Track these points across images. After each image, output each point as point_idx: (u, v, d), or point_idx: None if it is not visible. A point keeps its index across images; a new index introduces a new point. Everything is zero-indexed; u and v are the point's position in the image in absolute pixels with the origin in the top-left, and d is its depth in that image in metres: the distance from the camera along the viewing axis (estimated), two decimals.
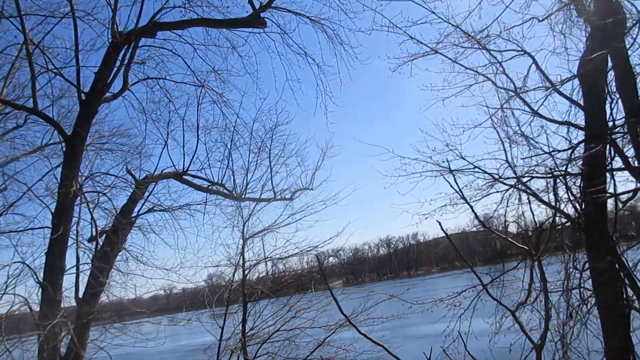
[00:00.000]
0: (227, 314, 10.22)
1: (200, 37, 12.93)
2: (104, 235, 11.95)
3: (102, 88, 9.92)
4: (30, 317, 10.26)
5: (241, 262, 9.79)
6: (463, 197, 8.40)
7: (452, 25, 7.75)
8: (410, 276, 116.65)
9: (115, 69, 10.29)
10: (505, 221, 9.85)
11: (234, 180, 13.27)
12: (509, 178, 8.54)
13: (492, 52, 7.85)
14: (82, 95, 9.80)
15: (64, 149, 9.76)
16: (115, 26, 10.13)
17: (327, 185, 10.64)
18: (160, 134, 13.16)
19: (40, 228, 11.62)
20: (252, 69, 12.59)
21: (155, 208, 13.20)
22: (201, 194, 13.74)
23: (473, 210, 8.55)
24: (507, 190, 9.53)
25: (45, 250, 9.42)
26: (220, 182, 13.66)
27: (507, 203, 9.16)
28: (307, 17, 11.84)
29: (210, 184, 13.76)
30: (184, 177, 13.54)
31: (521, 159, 8.41)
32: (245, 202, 11.24)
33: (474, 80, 8.29)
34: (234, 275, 10.40)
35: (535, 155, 8.17)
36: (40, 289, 9.14)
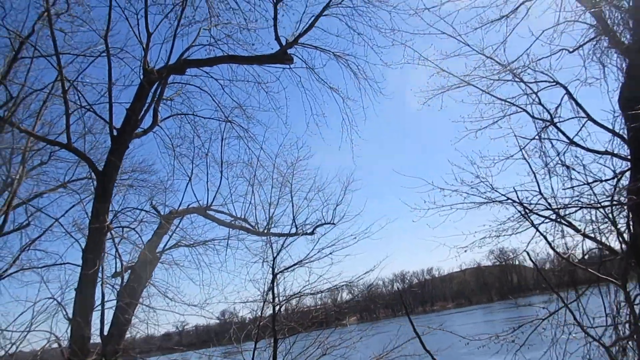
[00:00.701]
0: (255, 350, 10.02)
1: (226, 73, 13.19)
2: (128, 270, 11.94)
3: (134, 124, 10.05)
4: (57, 355, 10.15)
5: (271, 297, 9.61)
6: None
7: (485, 56, 7.83)
8: (426, 312, 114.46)
9: (145, 105, 10.44)
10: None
11: (256, 215, 13.34)
12: (548, 209, 8.38)
13: (527, 83, 7.84)
14: (114, 131, 9.92)
15: (95, 184, 9.82)
16: (146, 64, 10.36)
17: (357, 219, 10.49)
18: (184, 170, 13.34)
19: (62, 264, 11.70)
20: (277, 104, 12.82)
21: (180, 243, 13.24)
22: (224, 229, 13.83)
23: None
24: (543, 222, 9.40)
25: (75, 287, 9.35)
26: (243, 217, 13.71)
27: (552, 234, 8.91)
28: (332, 53, 12.07)
29: (233, 219, 13.79)
30: (208, 212, 13.60)
31: (563, 189, 8.27)
32: (268, 236, 11.13)
33: (506, 112, 8.28)
34: (262, 310, 10.23)
35: (577, 186, 8.05)
36: (70, 326, 9.04)
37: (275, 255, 9.77)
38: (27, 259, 12.30)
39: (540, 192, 9.51)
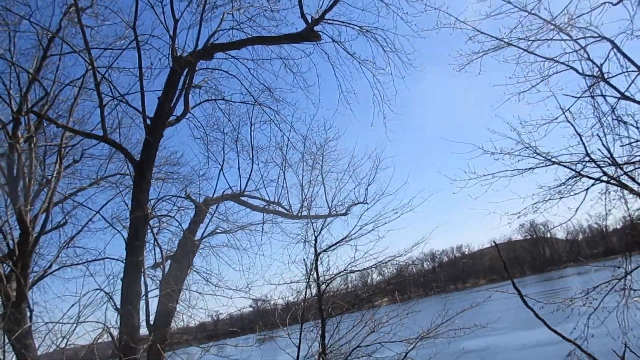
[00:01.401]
0: (302, 332, 9.97)
1: (250, 57, 13.00)
2: (169, 260, 12.01)
3: (167, 112, 10.00)
4: (108, 346, 10.28)
5: (315, 277, 9.52)
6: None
7: (527, 12, 7.44)
8: (458, 289, 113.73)
9: (176, 93, 10.38)
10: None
11: (288, 198, 13.27)
12: (608, 164, 8.01)
13: (575, 39, 7.47)
14: (148, 120, 9.89)
15: (134, 174, 9.82)
16: (175, 51, 10.28)
17: (397, 194, 10.25)
18: (214, 157, 13.32)
19: (102, 259, 11.81)
20: (305, 83, 12.63)
21: (217, 230, 13.25)
22: (258, 214, 13.81)
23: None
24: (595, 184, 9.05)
25: (121, 277, 9.42)
26: (277, 201, 13.66)
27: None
28: (359, 27, 11.78)
29: (266, 203, 13.76)
30: (242, 198, 13.58)
31: (621, 146, 7.90)
32: (309, 217, 11.02)
33: (549, 72, 7.93)
34: (305, 291, 10.16)
35: (636, 142, 7.68)
36: (119, 315, 9.11)
37: (316, 234, 9.66)
38: (66, 256, 12.54)
39: (587, 154, 9.18)
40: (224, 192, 12.96)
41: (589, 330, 7.71)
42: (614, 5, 8.36)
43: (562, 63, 7.75)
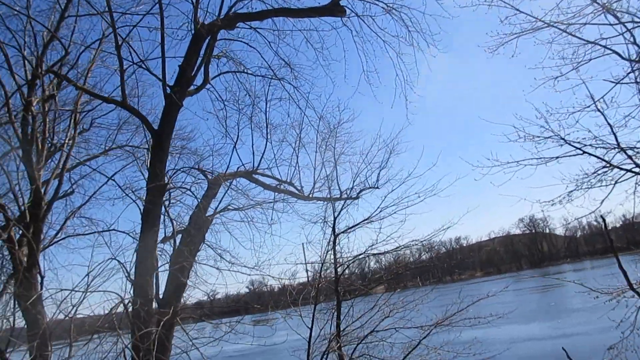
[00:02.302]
0: (314, 313, 9.81)
1: (271, 32, 12.60)
2: (179, 234, 11.80)
3: (187, 81, 9.70)
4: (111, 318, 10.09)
5: (332, 258, 9.32)
6: None
7: None
8: (454, 281, 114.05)
9: (198, 61, 10.06)
10: None
11: (300, 179, 13.00)
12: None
13: (623, 22, 7.14)
14: (167, 88, 9.59)
15: (151, 144, 9.56)
16: (197, 18, 9.94)
17: (420, 179, 9.97)
18: (228, 133, 13.00)
19: (108, 230, 11.57)
20: (325, 61, 12.27)
21: (229, 207, 13.01)
22: (269, 193, 13.53)
23: None
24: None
25: (135, 248, 9.21)
26: (289, 181, 13.39)
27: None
28: (385, 4, 11.41)
29: (279, 182, 13.49)
30: (254, 175, 13.30)
31: None
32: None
33: (591, 55, 7.60)
34: (320, 272, 9.97)
35: None
36: (132, 287, 8.92)
37: (336, 215, 9.43)
38: (73, 226, 12.33)
39: (618, 144, 8.91)
40: (238, 168, 12.71)
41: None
42: None
43: (606, 47, 7.44)
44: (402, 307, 9.69)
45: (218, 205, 12.34)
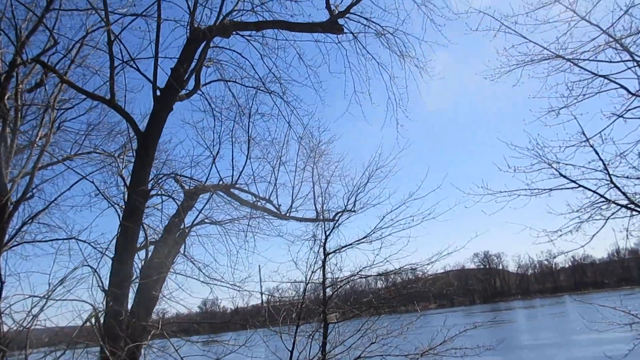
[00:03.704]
0: (296, 334, 9.34)
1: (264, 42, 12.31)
2: (151, 246, 11.17)
3: (179, 84, 9.27)
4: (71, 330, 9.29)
5: (320, 278, 8.92)
6: None
7: (579, 17, 7.11)
8: (409, 311, 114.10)
9: (190, 66, 9.67)
10: None
11: (277, 197, 12.64)
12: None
13: (634, 55, 7.23)
14: (157, 91, 9.14)
15: (137, 148, 9.03)
16: (193, 22, 9.59)
17: (415, 202, 9.74)
18: (206, 146, 12.54)
19: (69, 239, 10.80)
20: (316, 79, 12.07)
21: (206, 220, 12.47)
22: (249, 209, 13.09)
23: None
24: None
25: (113, 256, 8.57)
26: (268, 197, 12.99)
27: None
28: (381, 27, 11.37)
29: (257, 199, 13.07)
30: (232, 190, 12.85)
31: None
32: (322, 216, 10.43)
33: (598, 88, 7.66)
34: (304, 292, 9.55)
35: None
36: (105, 298, 8.25)
37: (327, 233, 9.08)
38: (28, 232, 11.50)
39: (611, 181, 8.99)
40: (219, 181, 12.23)
41: None
42: None
43: (615, 81, 7.52)
44: (388, 333, 9.34)
45: (196, 219, 11.85)
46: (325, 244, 9.13)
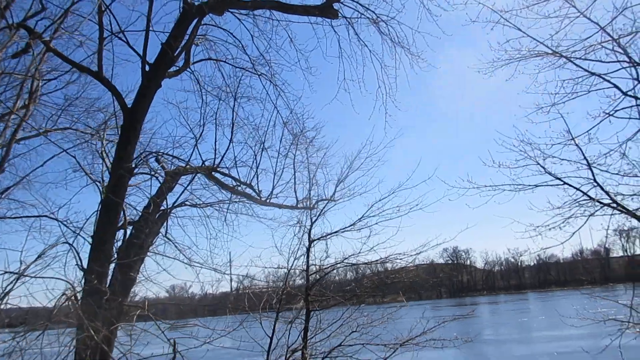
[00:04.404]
0: (276, 321, 9.27)
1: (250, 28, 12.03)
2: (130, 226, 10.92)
3: (169, 60, 9.01)
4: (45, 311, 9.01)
5: (305, 266, 8.85)
6: None
7: (579, 12, 7.14)
8: (377, 303, 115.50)
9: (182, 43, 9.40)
10: None
11: (258, 182, 12.49)
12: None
13: (630, 57, 7.30)
14: (147, 66, 8.86)
15: (122, 124, 8.75)
16: None
17: (402, 193, 9.72)
18: (189, 128, 12.28)
19: (39, 216, 10.44)
20: (306, 64, 11.90)
21: (187, 202, 12.24)
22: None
23: None
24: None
25: (92, 234, 8.32)
26: (249, 182, 12.82)
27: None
28: (375, 15, 11.25)
29: (238, 183, 12.89)
30: (214, 174, 12.64)
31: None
32: (308, 203, 10.32)
33: (589, 87, 7.75)
34: (286, 279, 9.48)
35: None
36: (84, 277, 8.02)
37: (313, 220, 9.00)
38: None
39: (595, 180, 9.14)
40: (202, 163, 11.99)
41: None
42: None
43: (609, 81, 7.61)
44: (369, 322, 9.35)
45: (177, 200, 11.61)
46: (310, 230, 9.04)
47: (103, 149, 10.10)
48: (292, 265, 9.43)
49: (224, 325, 8.94)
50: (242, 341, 7.95)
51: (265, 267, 9.28)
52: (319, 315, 9.32)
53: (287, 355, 8.84)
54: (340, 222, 9.59)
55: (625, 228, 8.47)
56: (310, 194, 10.22)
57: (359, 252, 8.94)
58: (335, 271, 9.88)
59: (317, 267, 9.13)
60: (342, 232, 9.19)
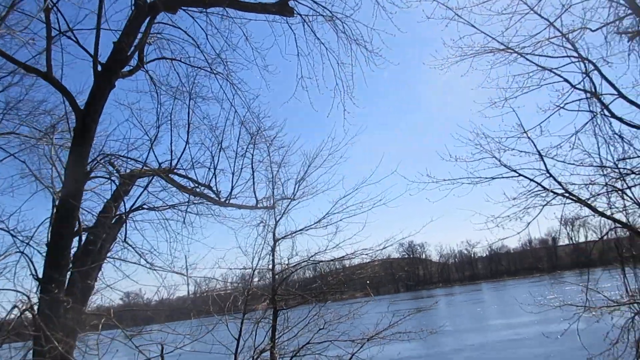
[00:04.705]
0: (243, 322, 9.15)
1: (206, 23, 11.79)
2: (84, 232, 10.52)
3: (123, 60, 8.72)
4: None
5: (271, 265, 8.78)
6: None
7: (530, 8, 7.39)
8: (335, 300, 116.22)
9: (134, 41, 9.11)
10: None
11: (216, 183, 12.31)
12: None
13: (578, 52, 7.62)
14: (99, 66, 8.54)
15: (75, 126, 8.39)
16: None
17: (365, 188, 9.78)
18: (144, 130, 11.93)
19: None
20: (263, 62, 11.81)
21: (144, 206, 11.90)
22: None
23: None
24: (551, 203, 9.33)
25: (45, 242, 7.96)
26: (207, 184, 12.62)
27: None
28: (330, 12, 11.27)
29: (196, 185, 12.66)
30: (171, 176, 12.35)
31: (618, 160, 8.13)
32: (273, 202, 10.23)
33: (540, 82, 8.04)
34: (251, 279, 9.38)
35: (630, 158, 7.98)
36: (39, 287, 7.65)
37: (277, 219, 8.93)
38: None
39: (547, 171, 9.50)
40: (160, 165, 11.67)
41: None
42: (592, 31, 8.75)
43: (560, 75, 7.92)
44: (336, 319, 9.38)
45: (134, 204, 11.27)
46: (275, 229, 8.97)
47: (55, 153, 9.66)
48: (257, 265, 9.33)
49: (189, 329, 8.77)
50: (212, 344, 7.77)
51: (230, 269, 9.13)
52: (286, 314, 9.26)
53: (255, 356, 8.73)
54: (306, 220, 9.58)
55: (580, 217, 8.81)
56: (273, 193, 10.08)
57: (326, 249, 8.94)
58: (301, 270, 9.82)
59: (283, 266, 9.06)
60: (307, 229, 9.19)
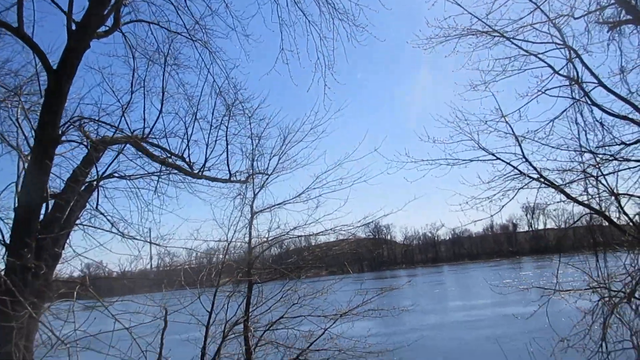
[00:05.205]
0: (216, 295, 9.05)
1: None
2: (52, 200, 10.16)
3: (98, 20, 8.33)
4: None
5: (247, 238, 8.67)
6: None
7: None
8: (300, 278, 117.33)
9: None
10: None
11: (189, 154, 12.04)
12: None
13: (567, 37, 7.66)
14: (73, 24, 8.13)
15: (47, 87, 8.00)
16: None
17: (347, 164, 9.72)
18: (115, 96, 11.51)
19: None
20: (243, 31, 11.51)
21: (115, 174, 11.55)
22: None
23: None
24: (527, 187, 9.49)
25: (15, 206, 7.64)
26: (181, 154, 12.33)
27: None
28: None
29: (169, 155, 12.36)
30: (143, 144, 12.00)
31: (597, 147, 8.27)
32: (251, 174, 10.07)
33: (522, 66, 8.10)
34: (226, 251, 9.25)
35: (608, 146, 8.13)
36: (7, 252, 7.36)
37: (256, 192, 8.80)
38: None
39: (523, 155, 9.65)
40: (133, 132, 11.30)
41: None
42: (575, 19, 8.83)
43: (544, 60, 7.98)
44: (309, 295, 9.39)
45: (105, 171, 10.91)
46: (253, 203, 8.85)
47: (25, 114, 9.20)
48: (233, 237, 9.21)
49: (160, 301, 8.62)
50: (185, 315, 7.65)
51: (205, 240, 8.97)
52: (260, 288, 9.21)
53: (227, 330, 8.68)
54: (286, 195, 9.47)
55: (553, 202, 8.97)
56: (253, 166, 9.92)
57: (305, 224, 8.88)
58: (278, 244, 9.76)
59: (261, 239, 8.98)
60: (286, 203, 9.11)
